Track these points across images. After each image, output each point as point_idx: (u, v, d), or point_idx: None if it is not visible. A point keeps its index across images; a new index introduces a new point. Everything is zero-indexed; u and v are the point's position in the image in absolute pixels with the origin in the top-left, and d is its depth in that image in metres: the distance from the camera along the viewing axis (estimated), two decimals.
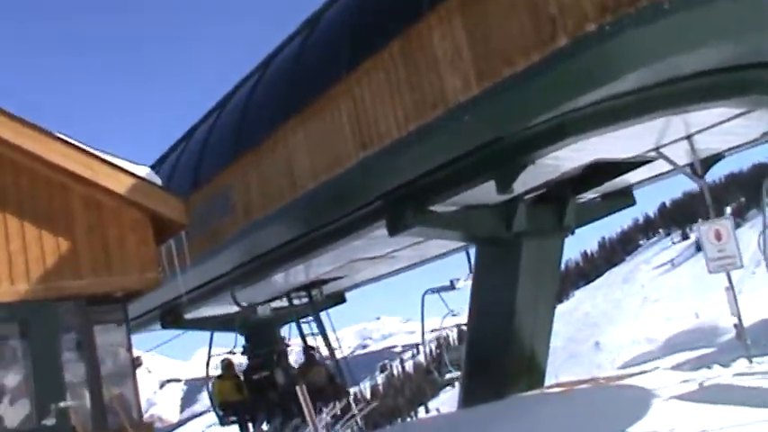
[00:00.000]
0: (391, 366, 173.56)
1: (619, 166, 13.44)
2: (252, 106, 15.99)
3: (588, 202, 15.60)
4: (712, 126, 12.19)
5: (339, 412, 17.17)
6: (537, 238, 14.18)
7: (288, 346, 22.15)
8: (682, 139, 12.47)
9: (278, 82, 15.03)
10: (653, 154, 13.00)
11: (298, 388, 12.87)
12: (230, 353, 21.74)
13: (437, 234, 14.16)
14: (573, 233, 15.17)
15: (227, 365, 20.44)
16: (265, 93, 15.66)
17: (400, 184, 12.42)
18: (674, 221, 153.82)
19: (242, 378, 20.12)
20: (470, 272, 19.86)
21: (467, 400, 15.00)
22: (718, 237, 12.27)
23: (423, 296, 19.74)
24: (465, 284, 19.62)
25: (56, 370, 9.72)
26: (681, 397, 10.99)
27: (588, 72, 8.95)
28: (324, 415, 16.49)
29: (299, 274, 18.63)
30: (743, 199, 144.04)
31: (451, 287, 20.19)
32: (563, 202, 14.47)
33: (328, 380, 19.20)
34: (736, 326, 13.02)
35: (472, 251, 18.41)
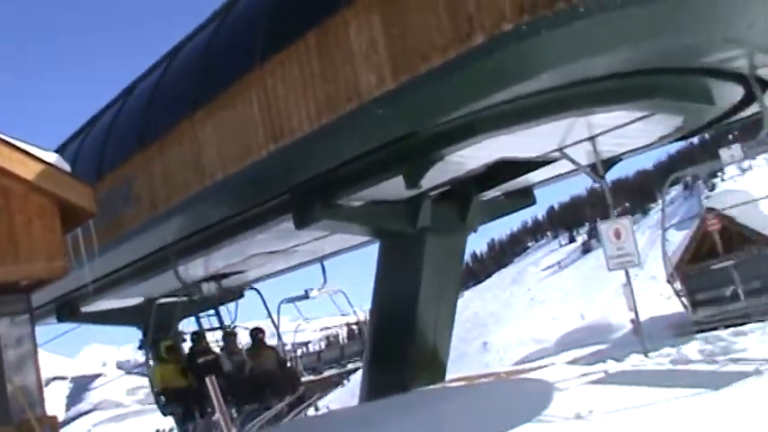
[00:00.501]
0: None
1: (522, 165, 13.73)
2: (159, 95, 15.63)
3: (491, 200, 15.88)
4: (614, 129, 12.59)
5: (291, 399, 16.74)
6: (441, 235, 14.36)
7: (235, 327, 21.89)
8: (585, 140, 12.83)
9: (188, 70, 14.74)
10: (556, 154, 13.33)
11: (207, 381, 12.58)
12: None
13: (343, 228, 14.20)
14: (476, 231, 15.44)
15: (169, 348, 19.14)
16: (174, 81, 15.35)
17: (309, 177, 12.42)
18: (562, 224, 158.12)
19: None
20: (324, 282, 21.17)
21: (370, 393, 15.04)
22: (618, 235, 12.67)
23: (278, 305, 21.03)
24: (318, 294, 21.05)
25: None
26: (584, 385, 11.34)
27: (503, 70, 9.11)
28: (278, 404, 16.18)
29: (198, 267, 18.43)
30: (627, 204, 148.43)
31: (306, 296, 21.30)
32: (467, 199, 14.70)
33: (278, 364, 18.31)
34: (632, 321, 13.46)
35: (328, 263, 19.96)
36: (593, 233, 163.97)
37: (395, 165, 11.73)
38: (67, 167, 10.40)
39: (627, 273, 12.87)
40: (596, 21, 8.43)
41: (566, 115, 10.89)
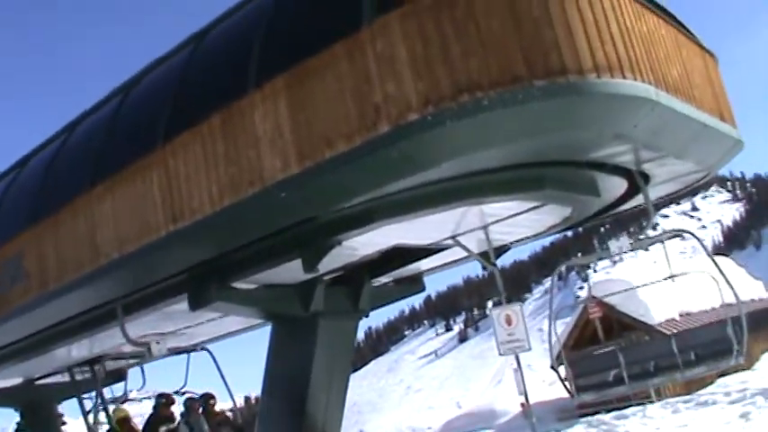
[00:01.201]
0: None
1: (415, 252, 14.03)
2: (53, 170, 15.34)
3: (382, 286, 16.09)
4: (506, 218, 13.02)
5: None
6: (333, 319, 14.45)
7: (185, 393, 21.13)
8: (478, 228, 13.20)
9: (87, 146, 14.55)
10: (449, 242, 13.67)
11: None
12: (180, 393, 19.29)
13: (236, 311, 14.14)
14: (367, 315, 15.60)
15: (123, 420, 18.27)
16: (71, 156, 15.09)
17: (206, 258, 12.38)
18: (439, 313, 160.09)
19: None
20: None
21: None
22: (509, 321, 13.01)
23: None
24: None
25: None
26: None
27: (407, 159, 9.35)
28: None
29: (83, 348, 17.98)
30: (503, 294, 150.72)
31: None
32: (359, 284, 14.88)
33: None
34: (522, 405, 13.74)
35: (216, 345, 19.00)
36: (468, 322, 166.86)
37: (293, 249, 11.82)
38: None
39: (517, 358, 13.21)
40: (498, 114, 8.82)
41: (462, 203, 11.20)
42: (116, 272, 12.85)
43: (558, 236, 17.71)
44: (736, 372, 18.08)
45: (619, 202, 14.33)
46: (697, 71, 11.90)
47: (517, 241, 15.32)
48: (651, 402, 17.14)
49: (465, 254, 15.05)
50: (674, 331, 18.80)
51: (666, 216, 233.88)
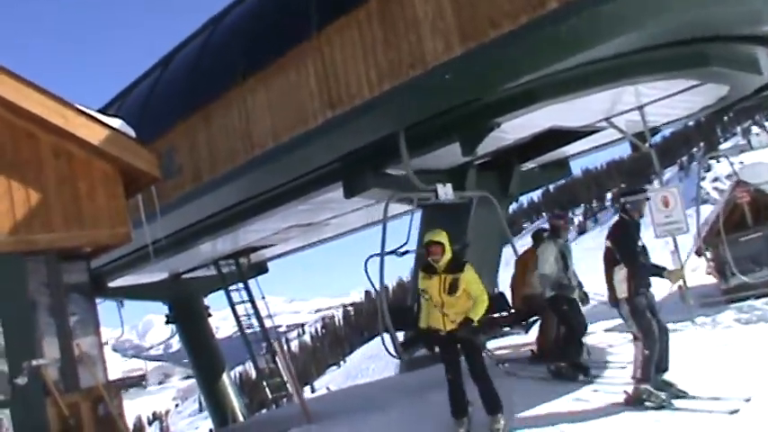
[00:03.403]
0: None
1: (567, 135, 13.81)
2: (204, 63, 15.54)
3: (528, 171, 15.95)
4: (662, 98, 12.67)
5: None
6: (485, 204, 14.45)
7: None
8: (633, 109, 12.90)
9: (235, 38, 14.63)
10: (603, 123, 13.42)
11: None
12: None
13: (391, 197, 14.23)
14: (517, 200, 15.60)
15: None
16: (220, 49, 15.25)
17: (362, 145, 12.44)
18: (558, 205, 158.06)
19: None
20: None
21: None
22: (666, 203, 12.79)
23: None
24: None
25: (27, 327, 9.34)
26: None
27: (576, 35, 9.17)
28: None
29: (227, 241, 18.49)
30: (623, 185, 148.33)
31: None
32: (509, 169, 14.83)
33: None
34: (680, 287, 13.59)
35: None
36: (587, 214, 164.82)
37: (452, 132, 11.77)
38: (132, 132, 10.38)
39: (675, 240, 13.01)
40: None
41: (625, 82, 10.97)
42: (271, 162, 13.05)
43: (679, 125, 17.25)
44: None
45: None
46: None
47: (669, 123, 14.95)
48: None
49: (615, 137, 14.81)
50: None
51: None
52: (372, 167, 12.85)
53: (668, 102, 12.90)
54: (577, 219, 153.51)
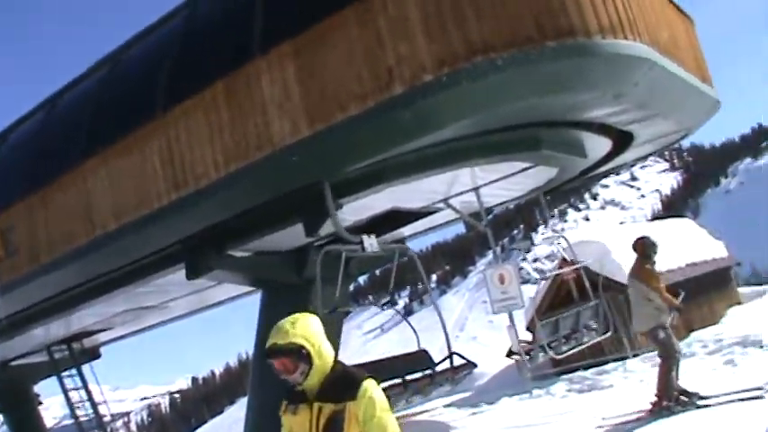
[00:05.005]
0: None
1: (405, 216, 14.25)
2: (43, 141, 15.15)
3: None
4: (496, 180, 13.33)
5: None
6: (326, 285, 14.62)
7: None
8: (470, 190, 13.48)
9: (75, 118, 14.38)
10: (440, 205, 13.95)
11: None
12: None
13: (232, 278, 14.20)
14: (356, 281, 15.83)
15: None
16: (61, 126, 14.86)
17: (207, 226, 12.42)
18: (384, 288, 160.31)
19: None
20: None
21: None
22: (502, 280, 13.29)
23: None
24: None
25: None
26: (481, 426, 11.85)
27: (422, 119, 9.58)
28: None
29: (61, 325, 17.86)
30: (447, 267, 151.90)
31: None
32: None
33: None
34: (517, 360, 14.09)
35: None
36: (413, 296, 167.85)
37: (295, 213, 11.92)
38: None
39: (510, 315, 13.50)
40: (511, 74, 9.08)
41: (463, 165, 11.48)
42: (113, 243, 12.79)
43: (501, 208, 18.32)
44: (704, 327, 18.75)
45: (595, 166, 14.76)
46: (680, 34, 12.33)
47: (501, 203, 15.67)
48: (627, 358, 17.69)
49: (450, 217, 15.39)
50: None
51: (606, 186, 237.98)
52: (215, 248, 12.81)
53: (502, 183, 13.57)
54: (403, 301, 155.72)
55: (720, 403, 9.19)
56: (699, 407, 9.38)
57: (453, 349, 14.30)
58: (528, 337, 18.75)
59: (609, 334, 14.73)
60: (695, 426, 8.63)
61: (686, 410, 9.33)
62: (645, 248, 10.47)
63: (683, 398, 9.68)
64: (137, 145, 12.25)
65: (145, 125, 12.12)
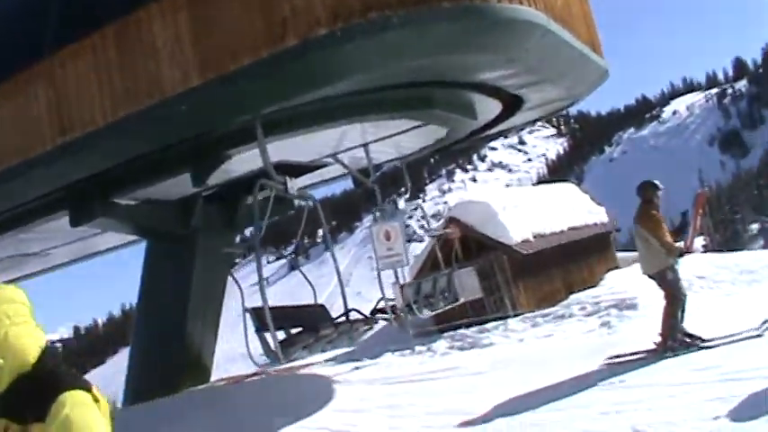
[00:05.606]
0: None
1: (294, 169, 14.25)
2: None
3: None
4: (386, 137, 13.48)
5: None
6: (211, 237, 14.59)
7: None
8: (359, 146, 13.60)
9: None
10: (329, 159, 14.01)
11: None
12: None
13: (117, 227, 14.02)
14: (242, 232, 15.82)
15: None
16: None
17: (92, 173, 12.16)
18: (270, 242, 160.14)
19: None
20: None
21: (136, 395, 14.83)
22: (388, 237, 13.48)
23: None
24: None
25: None
26: (363, 380, 12.08)
27: (314, 73, 9.59)
28: None
29: None
30: (335, 222, 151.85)
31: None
32: (235, 202, 15.02)
33: None
34: (397, 317, 14.29)
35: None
36: (299, 251, 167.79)
37: (183, 163, 11.84)
38: None
39: (396, 272, 13.72)
40: (405, 33, 9.15)
41: (357, 119, 11.59)
42: None
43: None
44: (584, 289, 19.35)
45: (484, 128, 15.05)
46: (574, 2, 12.59)
47: (390, 161, 15.82)
48: (509, 317, 18.16)
49: (339, 172, 15.47)
50: (530, 251, 19.84)
51: (495, 149, 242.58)
52: (100, 196, 12.60)
53: (393, 140, 13.73)
54: (289, 255, 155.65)
55: (724, 344, 9.63)
56: (701, 348, 9.79)
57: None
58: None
59: (456, 304, 15.01)
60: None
61: (689, 352, 9.70)
62: (646, 192, 10.65)
63: (686, 339, 10.07)
64: (22, 87, 11.86)
65: (30, 67, 11.73)
